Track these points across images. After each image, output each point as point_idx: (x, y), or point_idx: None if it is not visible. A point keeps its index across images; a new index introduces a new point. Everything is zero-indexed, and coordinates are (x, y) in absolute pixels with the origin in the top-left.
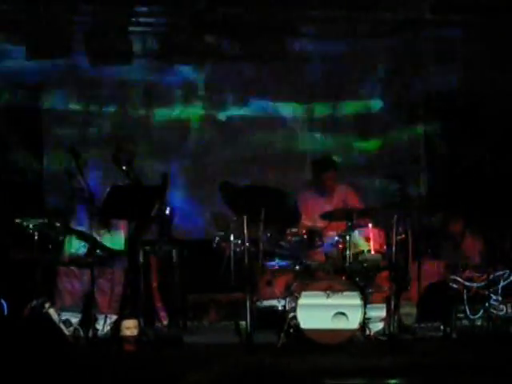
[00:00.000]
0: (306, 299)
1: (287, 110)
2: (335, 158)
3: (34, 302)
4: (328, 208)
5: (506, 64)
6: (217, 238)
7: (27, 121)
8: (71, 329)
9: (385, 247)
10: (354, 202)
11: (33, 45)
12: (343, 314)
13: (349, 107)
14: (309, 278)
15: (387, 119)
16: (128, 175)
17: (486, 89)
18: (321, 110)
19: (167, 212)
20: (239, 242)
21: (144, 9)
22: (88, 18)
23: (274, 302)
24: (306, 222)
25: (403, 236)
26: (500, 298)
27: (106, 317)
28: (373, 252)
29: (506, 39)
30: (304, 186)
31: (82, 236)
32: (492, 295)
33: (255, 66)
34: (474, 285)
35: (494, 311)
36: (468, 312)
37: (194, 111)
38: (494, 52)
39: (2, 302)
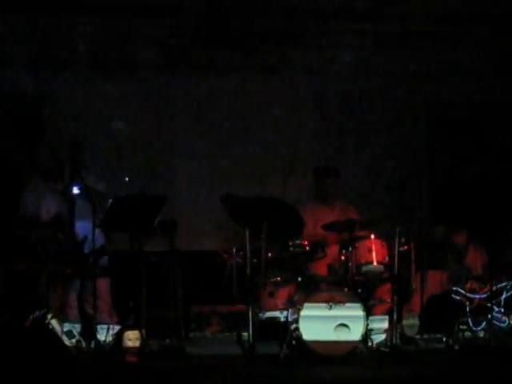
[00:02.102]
0: (309, 311)
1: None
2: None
3: (36, 313)
4: (331, 216)
5: (511, 75)
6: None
7: (29, 129)
8: (73, 340)
9: (387, 258)
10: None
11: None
12: (345, 325)
13: None
14: (311, 290)
15: (389, 129)
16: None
17: (490, 100)
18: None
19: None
20: (241, 253)
21: (146, 21)
22: (91, 29)
23: (276, 314)
24: (310, 231)
25: (406, 247)
26: (503, 310)
27: (108, 328)
28: (375, 263)
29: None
30: (307, 196)
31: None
32: (495, 307)
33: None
34: (477, 296)
35: (497, 323)
36: (471, 324)
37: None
38: (499, 63)
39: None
